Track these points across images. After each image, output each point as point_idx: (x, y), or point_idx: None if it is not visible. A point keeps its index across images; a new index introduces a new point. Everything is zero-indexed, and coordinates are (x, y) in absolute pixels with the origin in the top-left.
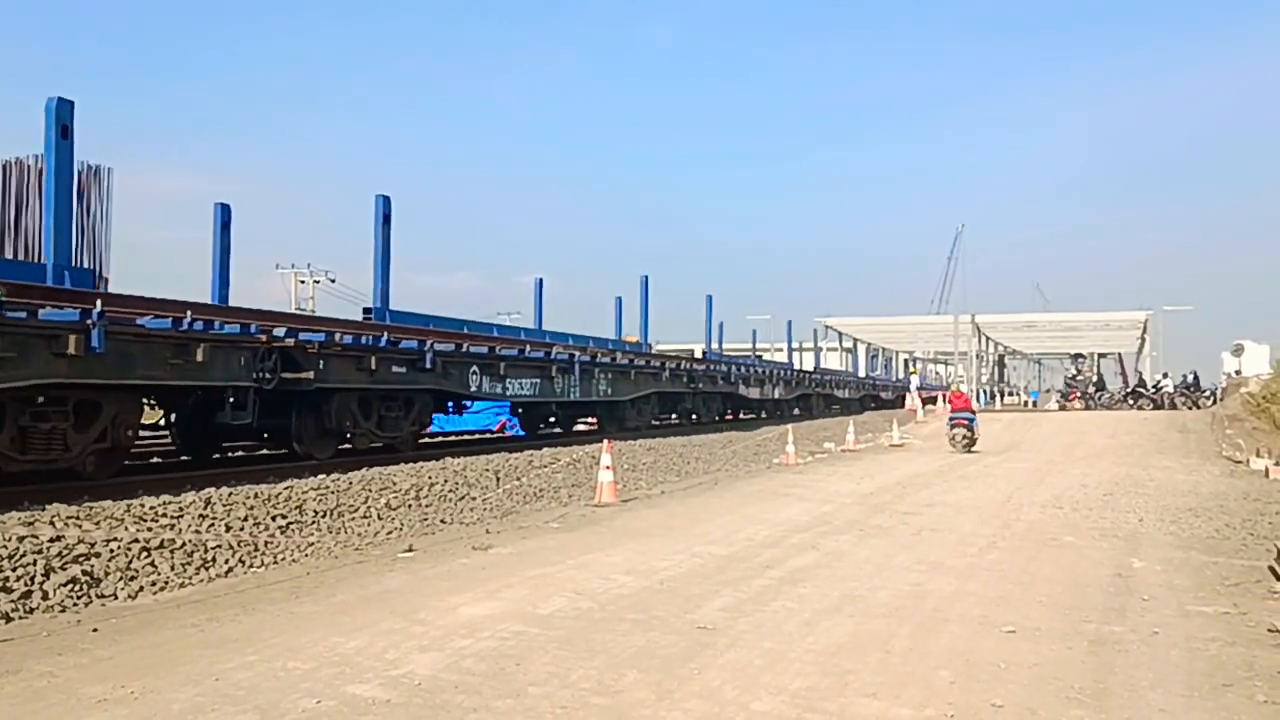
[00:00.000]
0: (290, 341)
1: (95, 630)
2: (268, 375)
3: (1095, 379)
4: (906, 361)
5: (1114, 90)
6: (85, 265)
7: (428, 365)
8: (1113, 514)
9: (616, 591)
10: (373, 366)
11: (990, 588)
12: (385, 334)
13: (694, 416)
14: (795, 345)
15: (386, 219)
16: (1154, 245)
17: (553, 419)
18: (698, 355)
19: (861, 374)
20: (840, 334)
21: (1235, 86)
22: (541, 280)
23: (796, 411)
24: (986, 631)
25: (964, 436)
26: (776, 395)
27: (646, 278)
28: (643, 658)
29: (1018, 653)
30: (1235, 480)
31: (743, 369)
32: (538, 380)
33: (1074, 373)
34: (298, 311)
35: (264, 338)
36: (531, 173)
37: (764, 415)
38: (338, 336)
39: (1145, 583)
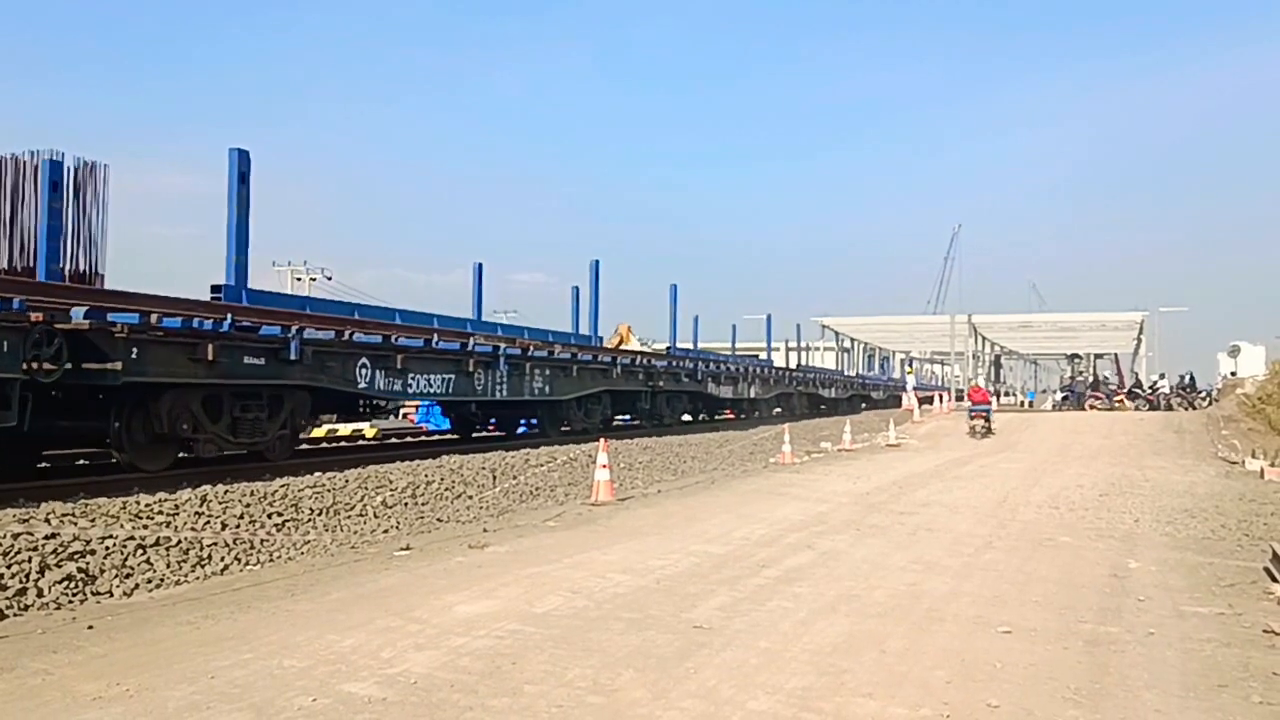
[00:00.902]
0: (85, 324)
1: (90, 627)
2: (48, 366)
3: (1091, 379)
4: (903, 361)
5: (1110, 91)
6: (81, 262)
7: (293, 356)
8: (1108, 514)
9: (612, 590)
10: (210, 356)
11: (986, 588)
12: (230, 316)
13: (660, 418)
14: (792, 345)
15: (243, 178)
16: (1150, 246)
17: (493, 421)
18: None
19: (851, 372)
20: (837, 333)
21: (1231, 88)
22: (480, 265)
23: (778, 411)
24: (982, 631)
25: (982, 426)
26: (752, 394)
27: (597, 263)
28: (639, 657)
29: (1013, 653)
30: (1230, 481)
31: (712, 365)
32: (452, 376)
33: (1070, 373)
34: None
35: (36, 317)
36: (529, 170)
37: (742, 416)
38: (154, 318)
39: (1141, 583)
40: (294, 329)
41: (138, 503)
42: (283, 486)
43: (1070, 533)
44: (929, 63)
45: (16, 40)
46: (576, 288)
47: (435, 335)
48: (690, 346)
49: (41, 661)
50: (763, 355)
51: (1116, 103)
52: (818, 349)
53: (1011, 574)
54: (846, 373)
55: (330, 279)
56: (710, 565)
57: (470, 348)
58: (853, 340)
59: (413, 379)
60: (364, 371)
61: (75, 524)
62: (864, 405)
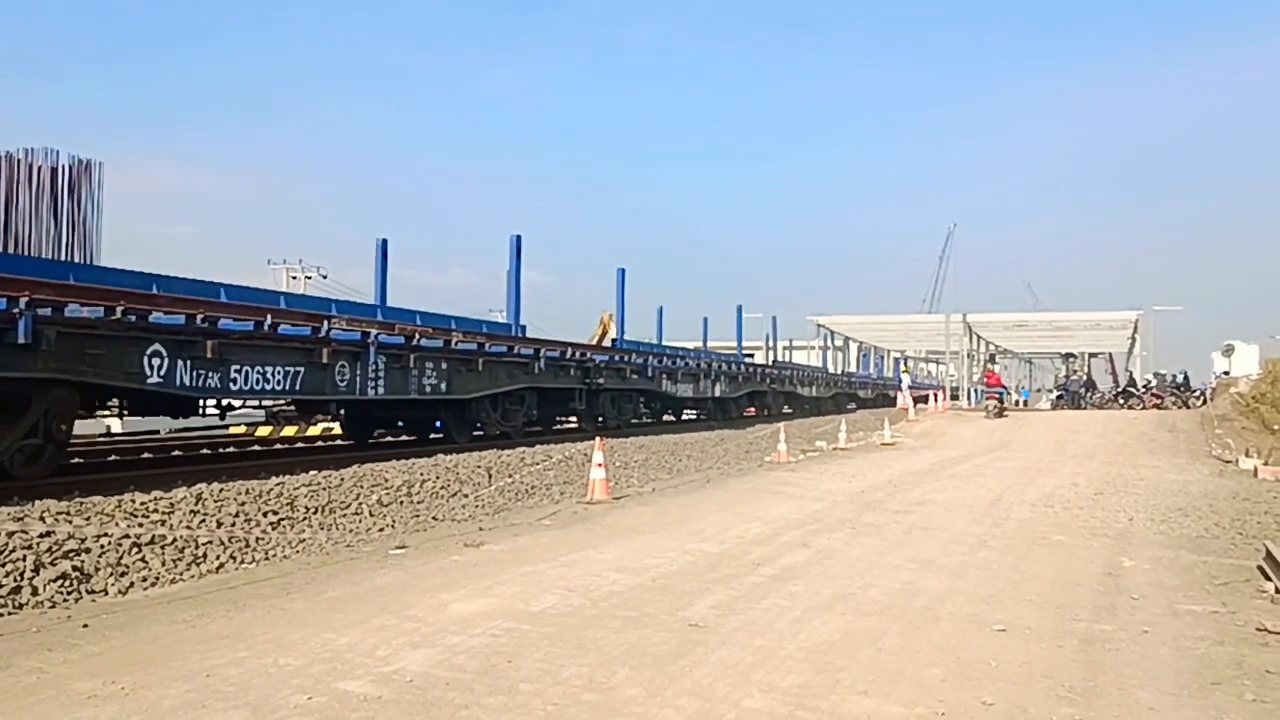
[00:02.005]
0: None
1: (86, 626)
2: None
3: (1085, 378)
4: (897, 361)
5: (1105, 91)
6: (76, 259)
7: (22, 339)
8: (1103, 513)
9: (608, 589)
10: None
11: (981, 586)
12: None
13: (600, 419)
14: (786, 343)
15: None
16: (1145, 245)
17: (400, 424)
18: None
19: (835, 369)
20: (832, 332)
21: (1224, 86)
22: (385, 242)
23: (751, 411)
24: (977, 630)
25: (995, 406)
26: (718, 393)
27: (518, 238)
28: (634, 655)
29: (1008, 651)
30: (1224, 480)
31: (667, 361)
32: (300, 369)
33: (1064, 372)
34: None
35: None
36: (524, 168)
37: (703, 416)
38: None
39: (1135, 581)
40: (23, 301)
41: (133, 501)
42: (278, 485)
43: (1065, 531)
44: (924, 61)
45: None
46: (515, 269)
47: (269, 316)
48: (655, 340)
49: (36, 660)
50: (763, 353)
51: (1111, 102)
52: (812, 347)
53: (1006, 572)
54: (831, 370)
55: (325, 277)
56: (706, 564)
57: (325, 333)
58: (847, 339)
59: (238, 372)
60: (157, 362)
61: (70, 522)
62: (852, 405)
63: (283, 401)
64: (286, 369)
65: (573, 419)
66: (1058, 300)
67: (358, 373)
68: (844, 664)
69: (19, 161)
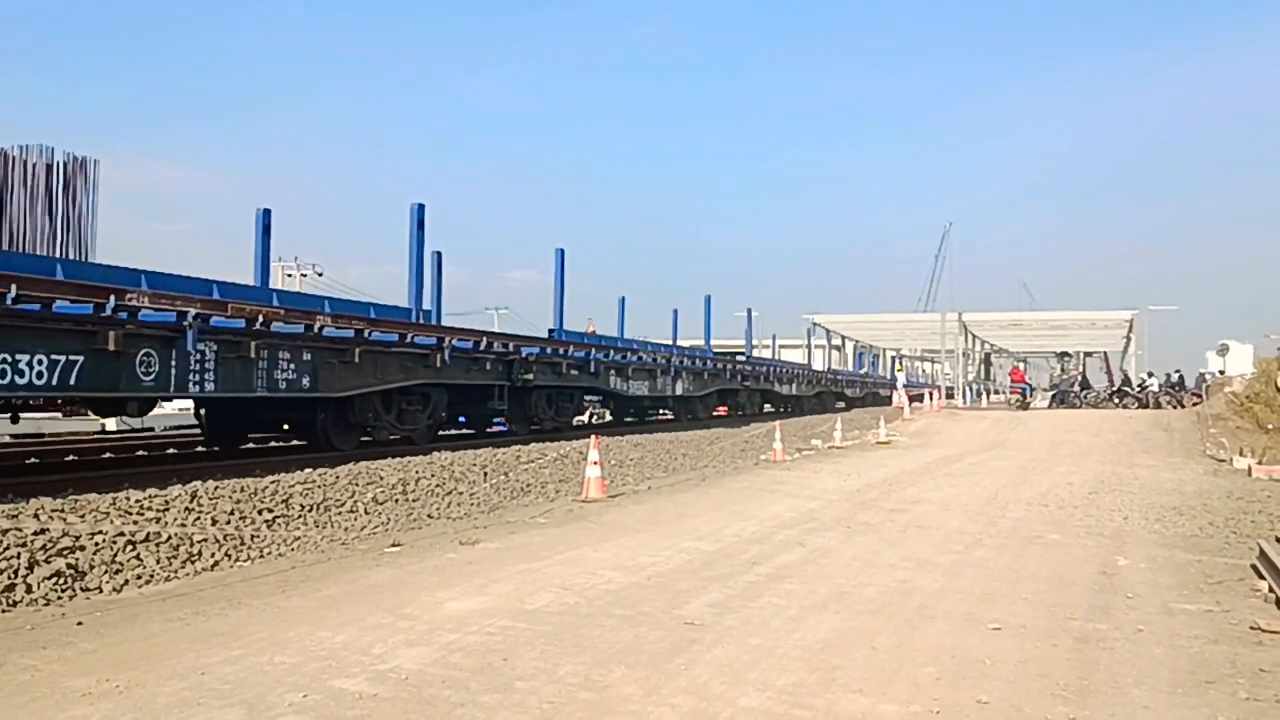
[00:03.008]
0: None
1: (80, 624)
2: None
3: (1079, 377)
4: (893, 359)
5: (1099, 90)
6: (71, 256)
7: None
8: (1097, 512)
9: (604, 587)
10: None
11: (976, 585)
12: None
13: (533, 421)
14: (773, 341)
15: None
16: (1140, 245)
17: (285, 427)
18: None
19: (819, 366)
20: (828, 331)
21: (1220, 87)
22: (267, 212)
23: (722, 410)
24: (972, 628)
25: (1018, 400)
26: (679, 390)
27: (420, 206)
28: (630, 653)
29: (1003, 649)
30: (1219, 479)
31: (614, 354)
32: (79, 358)
33: (1059, 370)
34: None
35: None
36: (519, 168)
37: (660, 413)
38: None
39: (1130, 580)
40: None
41: (127, 499)
42: (273, 483)
43: (1060, 530)
44: (921, 63)
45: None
46: (437, 253)
47: (13, 287)
48: (617, 335)
49: (31, 658)
50: (748, 350)
51: (1107, 103)
52: (799, 346)
53: (1001, 571)
54: (816, 367)
55: (321, 275)
56: (701, 562)
57: (109, 311)
58: (843, 338)
59: None
60: None
61: (64, 520)
62: (841, 404)
63: (56, 400)
64: (56, 357)
65: (504, 421)
66: (1053, 299)
67: (173, 364)
68: (839, 662)
69: (14, 159)
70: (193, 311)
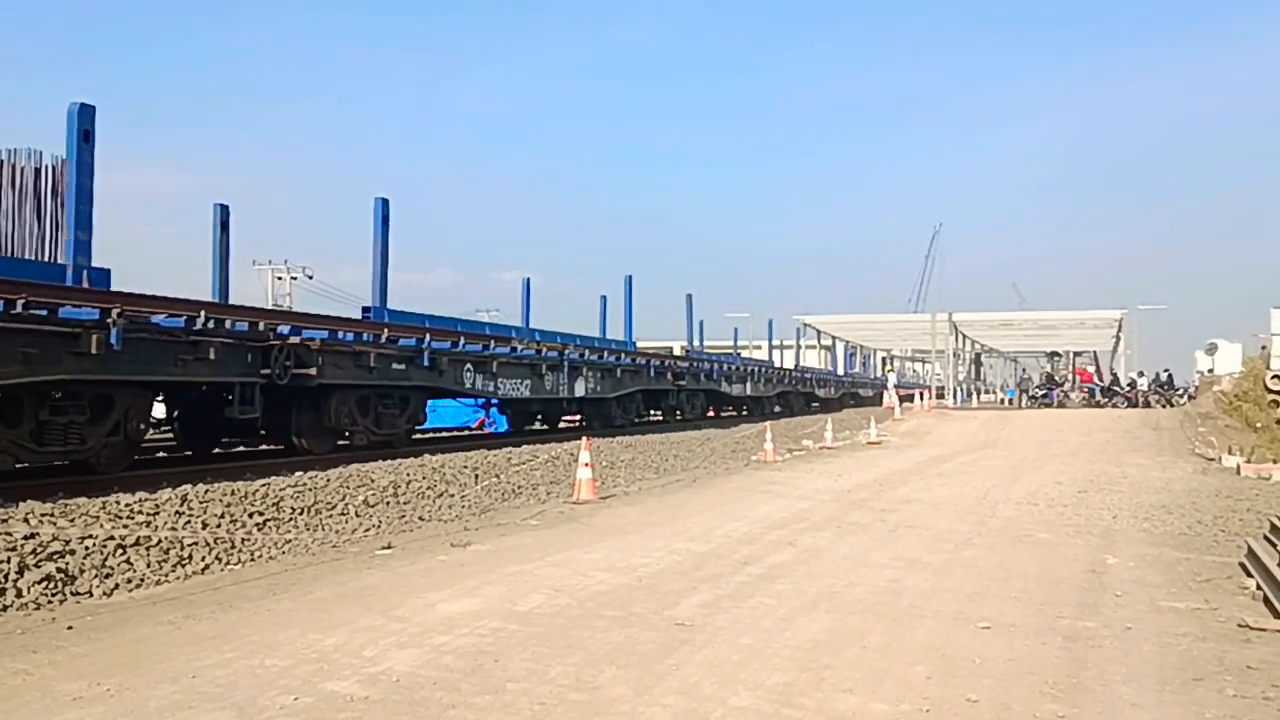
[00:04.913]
0: None
1: (70, 628)
2: None
3: (1068, 376)
4: (884, 360)
5: (1089, 90)
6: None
7: None
8: (1087, 511)
9: (595, 588)
10: None
11: (966, 584)
12: None
13: (303, 434)
14: (776, 343)
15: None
16: (1130, 245)
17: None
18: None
19: (785, 365)
20: (819, 331)
21: (1212, 87)
22: (225, 208)
23: (655, 415)
24: (962, 627)
25: (1083, 398)
26: (581, 391)
27: (384, 200)
28: (621, 654)
29: (993, 648)
30: (1207, 477)
31: (462, 343)
32: None
33: (1050, 370)
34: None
35: None
36: (514, 168)
37: (539, 422)
38: None
39: (1118, 579)
40: None
41: (117, 502)
42: (264, 486)
43: (1049, 529)
44: (911, 62)
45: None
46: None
47: None
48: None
49: (21, 662)
50: (758, 354)
51: (1098, 103)
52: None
53: (991, 570)
54: (779, 364)
55: (311, 278)
56: (692, 563)
57: None
58: (834, 338)
59: None
60: None
61: (54, 524)
62: (815, 405)
63: None
64: None
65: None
66: (1043, 299)
67: None
68: (830, 662)
69: (2, 162)
70: None
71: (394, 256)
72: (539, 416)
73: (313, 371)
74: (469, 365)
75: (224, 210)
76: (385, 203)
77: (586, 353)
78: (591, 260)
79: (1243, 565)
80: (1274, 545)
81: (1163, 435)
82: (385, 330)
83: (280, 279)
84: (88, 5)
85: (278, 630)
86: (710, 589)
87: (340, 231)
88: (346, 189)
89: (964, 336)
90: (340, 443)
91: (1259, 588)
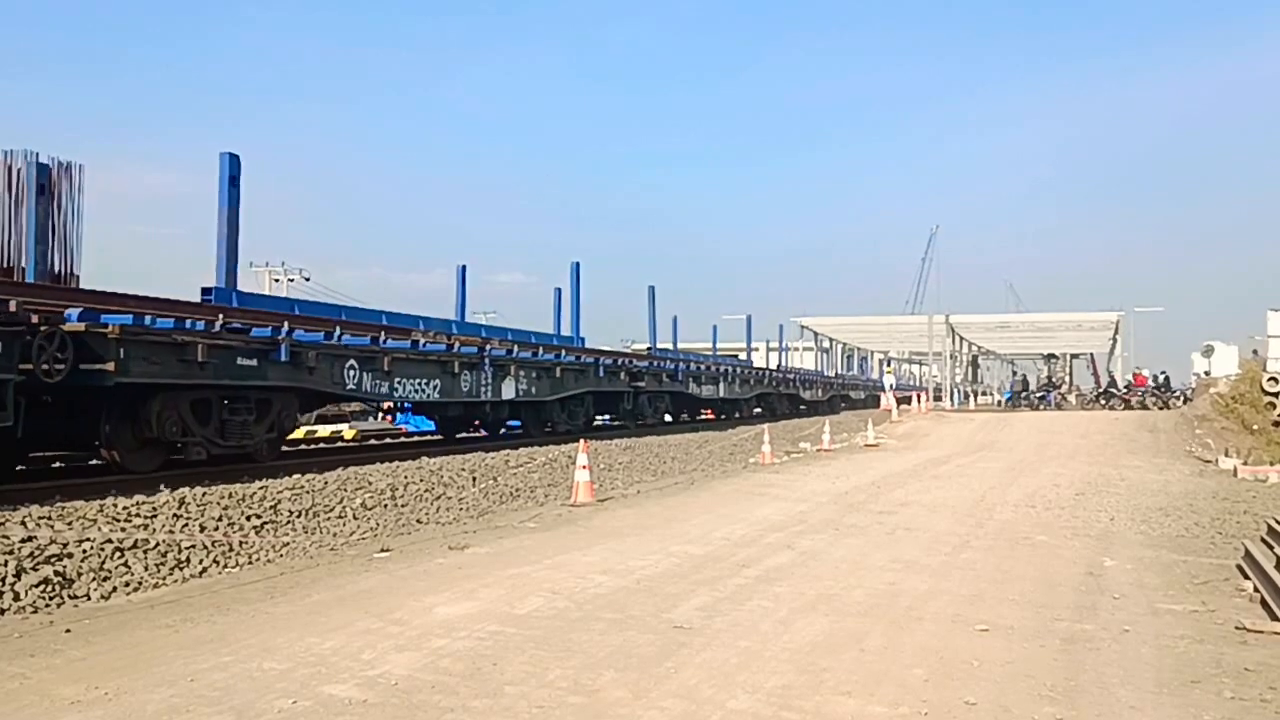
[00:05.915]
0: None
1: (68, 631)
2: None
3: (1066, 379)
4: (881, 361)
5: (1086, 93)
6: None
7: None
8: (1084, 513)
9: (593, 591)
10: None
11: (964, 586)
12: None
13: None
14: (775, 345)
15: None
16: (1127, 247)
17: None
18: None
19: (758, 364)
20: (816, 333)
21: (1208, 90)
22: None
23: (607, 418)
24: (960, 630)
25: (1138, 401)
26: (509, 394)
27: (234, 156)
28: (619, 657)
29: (991, 651)
30: (1204, 479)
31: (338, 334)
32: None
33: (1047, 372)
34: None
35: None
36: (510, 170)
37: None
38: None
39: (1116, 581)
40: None
41: (115, 505)
42: (261, 489)
43: (1047, 531)
44: (907, 64)
45: None
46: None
47: None
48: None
49: (19, 665)
50: (758, 357)
51: (1094, 105)
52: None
53: (989, 573)
54: (758, 365)
55: (308, 279)
56: (690, 565)
57: None
58: (831, 340)
59: None
60: None
61: (52, 527)
62: (802, 408)
63: None
64: None
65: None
66: (1040, 301)
67: None
68: (828, 665)
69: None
70: None
71: (394, 256)
72: (475, 423)
73: (109, 367)
74: (352, 361)
75: (234, 161)
76: (235, 159)
77: (516, 349)
78: (591, 260)
79: (1240, 567)
80: (1271, 548)
81: (1160, 437)
82: (221, 315)
83: (277, 280)
84: (80, 6)
85: (276, 633)
86: (708, 591)
87: (341, 232)
88: (347, 189)
89: (961, 338)
90: (174, 457)
91: (1256, 590)
